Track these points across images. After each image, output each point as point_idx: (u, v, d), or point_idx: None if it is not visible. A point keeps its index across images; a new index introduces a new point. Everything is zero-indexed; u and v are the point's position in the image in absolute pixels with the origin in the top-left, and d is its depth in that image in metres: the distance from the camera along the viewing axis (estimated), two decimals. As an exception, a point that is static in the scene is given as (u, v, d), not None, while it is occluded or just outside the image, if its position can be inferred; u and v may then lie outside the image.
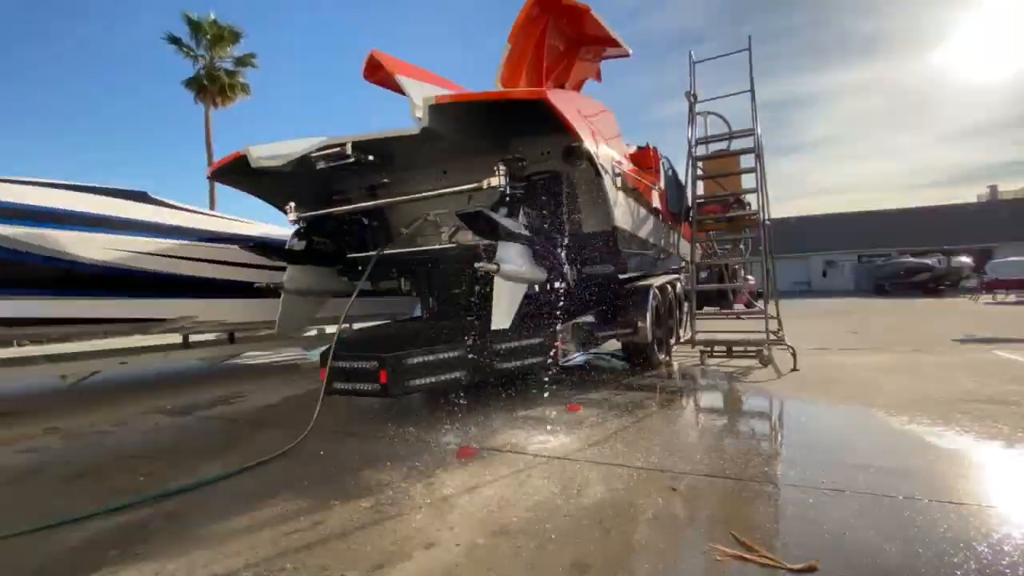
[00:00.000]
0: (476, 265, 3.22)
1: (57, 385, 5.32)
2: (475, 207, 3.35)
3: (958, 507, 2.09)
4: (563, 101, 3.31)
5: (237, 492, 2.61)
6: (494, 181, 3.41)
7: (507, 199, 3.46)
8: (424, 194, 3.88)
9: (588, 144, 3.54)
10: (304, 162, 3.70)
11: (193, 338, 6.40)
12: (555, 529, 2.03)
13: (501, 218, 3.29)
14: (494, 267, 3.21)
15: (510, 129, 3.46)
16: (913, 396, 3.96)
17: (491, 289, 3.38)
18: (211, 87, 22.01)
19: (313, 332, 7.49)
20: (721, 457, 2.85)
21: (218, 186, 20.04)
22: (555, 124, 3.32)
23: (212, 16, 21.95)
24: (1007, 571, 1.63)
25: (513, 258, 3.37)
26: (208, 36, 21.89)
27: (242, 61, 22.81)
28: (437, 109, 3.09)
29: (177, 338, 6.34)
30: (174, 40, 21.67)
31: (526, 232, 3.51)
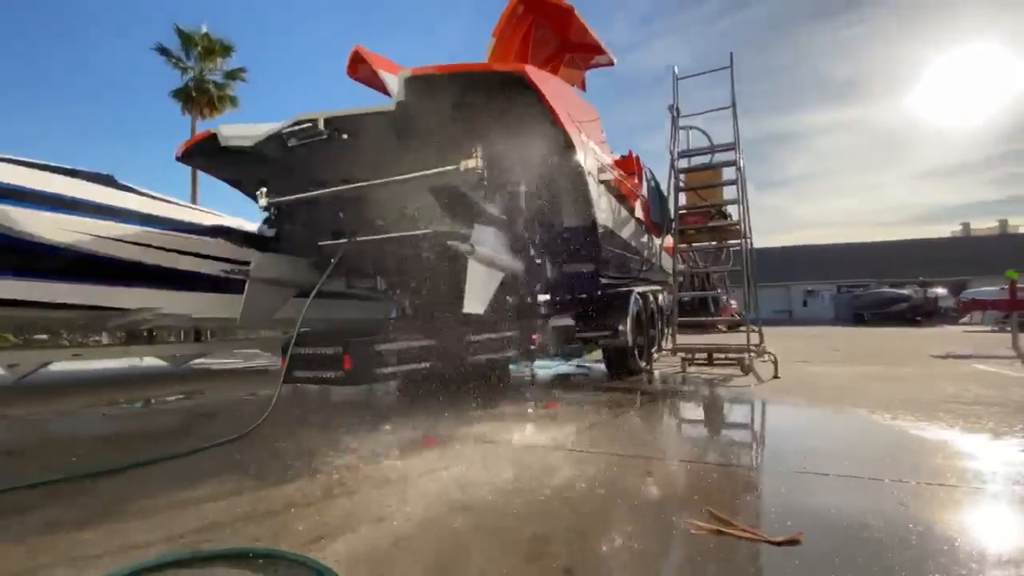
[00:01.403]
0: (449, 243, 3.08)
1: (4, 378, 5.02)
2: (450, 186, 3.24)
3: (949, 489, 1.97)
4: (544, 81, 3.24)
5: (180, 473, 2.40)
6: (471, 163, 3.28)
7: (484, 182, 3.35)
8: (398, 177, 3.75)
9: (569, 127, 3.47)
10: (275, 142, 3.57)
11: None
12: (518, 506, 1.87)
13: (477, 197, 3.18)
14: (468, 247, 3.07)
15: (490, 110, 3.36)
16: (895, 398, 3.86)
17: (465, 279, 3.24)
18: (199, 99, 21.91)
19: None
20: (698, 446, 2.71)
21: (201, 191, 19.77)
22: (535, 106, 3.24)
23: (204, 29, 22.01)
24: (998, 546, 1.50)
25: (488, 241, 3.24)
26: (199, 49, 21.88)
27: (232, 75, 22.78)
28: (413, 82, 3.00)
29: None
30: (163, 51, 21.63)
31: (503, 216, 3.40)
